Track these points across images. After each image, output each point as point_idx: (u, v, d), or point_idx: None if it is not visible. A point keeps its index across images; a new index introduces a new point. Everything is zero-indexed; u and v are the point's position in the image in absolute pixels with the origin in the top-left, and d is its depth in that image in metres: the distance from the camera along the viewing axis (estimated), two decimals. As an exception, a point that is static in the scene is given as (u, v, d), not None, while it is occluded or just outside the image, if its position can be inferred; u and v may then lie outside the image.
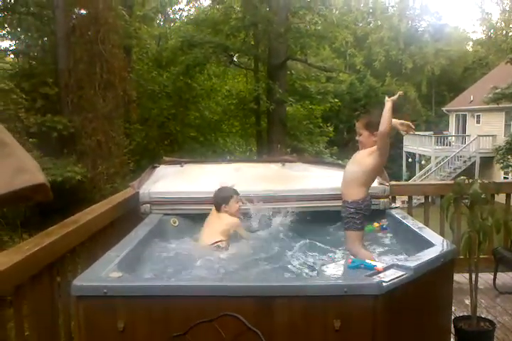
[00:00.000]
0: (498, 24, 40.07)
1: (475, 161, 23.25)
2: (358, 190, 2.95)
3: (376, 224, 3.30)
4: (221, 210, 3.25)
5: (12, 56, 14.11)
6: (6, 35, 13.97)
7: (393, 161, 28.04)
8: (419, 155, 26.76)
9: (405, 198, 4.79)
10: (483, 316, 3.26)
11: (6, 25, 13.23)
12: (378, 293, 1.97)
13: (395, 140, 30.26)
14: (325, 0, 18.91)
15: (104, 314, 2.02)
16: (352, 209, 2.92)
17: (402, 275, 2.14)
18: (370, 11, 41.16)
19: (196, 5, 24.04)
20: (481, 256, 4.02)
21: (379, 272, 2.16)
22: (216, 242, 3.01)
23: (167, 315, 2.00)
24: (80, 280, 2.07)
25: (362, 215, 2.93)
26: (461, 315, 3.21)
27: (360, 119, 3.18)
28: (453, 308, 3.60)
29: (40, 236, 2.51)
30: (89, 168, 10.40)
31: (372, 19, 41.37)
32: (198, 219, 3.36)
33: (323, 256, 2.81)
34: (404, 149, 27.73)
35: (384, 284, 2.01)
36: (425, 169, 25.08)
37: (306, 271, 2.48)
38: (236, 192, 3.28)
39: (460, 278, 3.70)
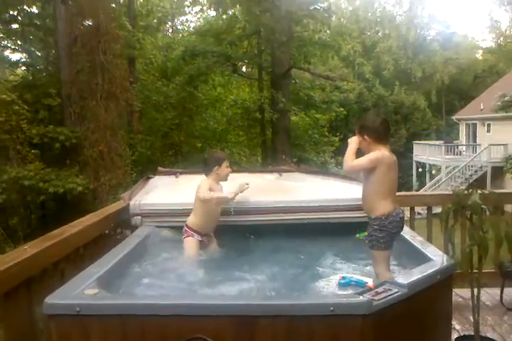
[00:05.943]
0: (508, 32, 39.96)
1: (486, 171, 22.93)
2: (376, 204, 2.66)
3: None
4: (212, 172, 3.27)
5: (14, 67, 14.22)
6: (9, 47, 14.11)
7: (403, 171, 27.80)
8: (430, 164, 26.47)
9: (418, 209, 4.59)
10: (488, 335, 3.09)
11: (3, 36, 13.31)
12: (367, 312, 1.84)
13: (405, 149, 30.01)
14: (329, 9, 18.94)
15: (77, 334, 1.92)
16: (376, 226, 2.64)
17: (395, 292, 2.01)
18: (378, 20, 41.28)
19: (203, 15, 24.22)
20: (487, 270, 3.88)
21: (370, 289, 2.04)
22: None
23: (143, 336, 1.89)
24: (52, 297, 1.97)
25: (387, 233, 2.62)
26: (465, 333, 3.04)
27: (356, 126, 3.01)
28: (458, 326, 3.47)
29: (18, 250, 2.41)
30: (91, 179, 10.37)
31: (380, 28, 41.47)
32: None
33: (315, 272, 2.68)
34: (415, 159, 27.49)
35: (374, 302, 1.89)
36: (436, 179, 24.79)
37: (293, 288, 2.35)
38: (227, 157, 3.43)
39: (466, 293, 3.52)
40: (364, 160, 2.65)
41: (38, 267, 2.42)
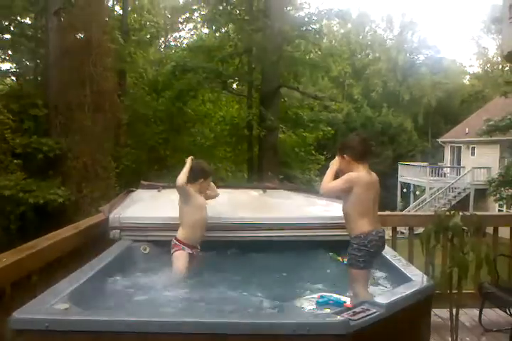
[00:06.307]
0: (495, 59, 41.01)
1: (469, 193, 23.27)
2: (354, 223, 2.66)
3: (340, 259, 3.13)
4: (196, 182, 3.24)
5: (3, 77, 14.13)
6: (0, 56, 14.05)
7: (388, 191, 27.93)
8: (414, 185, 26.77)
9: (402, 229, 4.58)
10: (467, 355, 3.07)
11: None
12: (345, 332, 1.81)
13: (390, 170, 30.18)
14: (320, 30, 19.28)
15: (45, 351, 1.84)
16: (355, 245, 2.62)
17: (373, 312, 1.98)
18: (369, 43, 42.17)
19: (197, 33, 24.44)
20: (467, 291, 3.89)
21: (348, 309, 2.01)
22: None
23: (114, 353, 1.83)
24: (20, 312, 1.90)
25: (366, 252, 2.60)
26: (443, 353, 3.02)
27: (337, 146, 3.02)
28: (435, 346, 3.45)
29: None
30: (73, 191, 10.23)
31: (370, 51, 42.32)
32: (170, 246, 3.20)
33: (294, 290, 2.63)
34: (400, 179, 27.78)
35: (351, 322, 1.85)
36: (420, 199, 25.04)
37: (269, 306, 2.30)
38: (212, 175, 3.39)
39: (445, 313, 3.51)
40: (339, 182, 2.67)
41: (7, 280, 2.35)
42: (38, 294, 2.31)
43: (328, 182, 2.70)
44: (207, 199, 3.30)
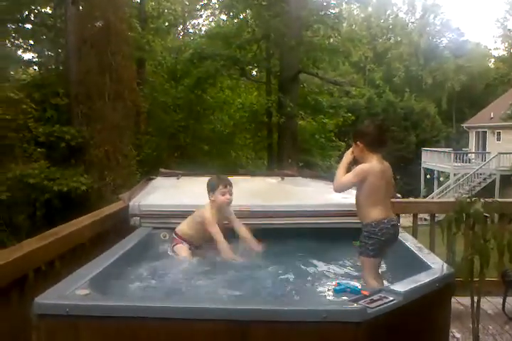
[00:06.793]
0: (521, 41, 39.83)
1: (495, 179, 22.81)
2: (366, 211, 2.64)
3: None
4: (210, 200, 3.08)
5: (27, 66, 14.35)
6: (22, 46, 14.24)
7: (412, 177, 27.70)
8: (438, 171, 26.37)
9: (424, 216, 4.52)
10: (490, 344, 3.04)
11: (16, 35, 13.45)
12: (361, 319, 1.80)
13: (413, 156, 29.80)
14: (339, 15, 18.95)
15: (66, 334, 1.89)
16: (366, 233, 2.61)
17: (390, 300, 1.96)
18: (390, 26, 41.31)
19: (216, 19, 24.32)
20: (490, 279, 3.84)
21: (365, 297, 1.99)
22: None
23: (132, 338, 1.87)
24: (42, 297, 1.94)
25: (377, 241, 2.57)
26: (465, 343, 2.99)
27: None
28: (458, 335, 3.42)
29: (9, 250, 2.40)
30: (96, 179, 10.40)
31: (392, 35, 41.48)
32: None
33: (311, 278, 2.63)
34: (423, 165, 27.42)
35: (368, 310, 1.85)
36: (444, 186, 24.70)
37: (287, 293, 2.31)
38: (225, 182, 3.07)
39: (468, 301, 3.45)
40: (350, 177, 2.63)
41: (32, 266, 2.41)
42: (61, 280, 2.38)
43: (340, 177, 2.66)
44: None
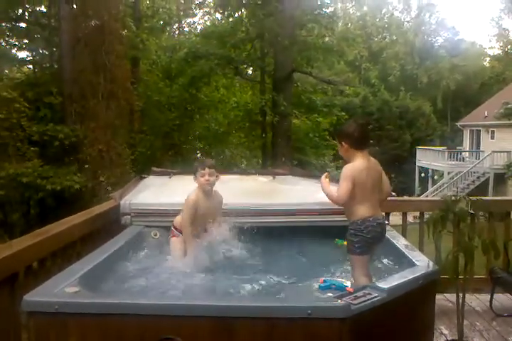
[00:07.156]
0: (516, 40, 40.00)
1: (489, 177, 22.94)
2: (352, 209, 2.65)
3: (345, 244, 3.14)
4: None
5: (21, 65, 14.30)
6: (16, 45, 14.19)
7: (406, 176, 27.79)
8: (432, 170, 26.47)
9: (416, 214, 4.56)
10: (476, 340, 3.09)
11: (10, 34, 13.40)
12: (345, 316, 1.84)
13: (408, 154, 29.75)
14: (333, 14, 18.99)
15: (55, 331, 1.92)
16: (352, 231, 2.62)
17: (374, 297, 2.00)
18: (386, 25, 41.37)
19: (211, 18, 24.30)
20: (478, 276, 3.89)
21: (350, 293, 2.03)
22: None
23: (121, 335, 1.90)
24: (31, 295, 1.97)
25: (362, 238, 2.58)
26: (453, 338, 3.04)
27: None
28: (445, 331, 3.48)
29: (2, 247, 2.42)
30: (89, 177, 10.40)
31: (387, 34, 41.54)
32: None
33: (297, 275, 2.66)
34: (418, 164, 27.49)
35: (352, 306, 1.88)
36: (438, 184, 24.77)
37: (273, 290, 2.34)
38: (204, 165, 3.09)
39: (455, 298, 3.53)
40: (343, 185, 2.59)
41: (22, 264, 2.43)
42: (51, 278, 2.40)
43: (332, 193, 2.65)
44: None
